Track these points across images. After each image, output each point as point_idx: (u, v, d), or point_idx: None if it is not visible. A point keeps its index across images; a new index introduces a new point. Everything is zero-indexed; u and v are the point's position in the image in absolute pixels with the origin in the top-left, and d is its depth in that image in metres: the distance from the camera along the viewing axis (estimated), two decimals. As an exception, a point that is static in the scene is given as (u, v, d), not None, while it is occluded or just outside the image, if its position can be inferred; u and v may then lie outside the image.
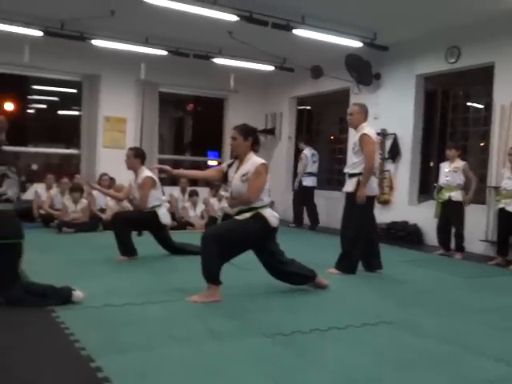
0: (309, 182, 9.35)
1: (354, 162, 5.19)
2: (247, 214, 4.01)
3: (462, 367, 2.83)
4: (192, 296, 3.92)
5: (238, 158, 4.19)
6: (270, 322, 3.48)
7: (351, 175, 5.19)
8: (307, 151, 9.38)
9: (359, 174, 5.11)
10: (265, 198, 4.09)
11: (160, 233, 5.83)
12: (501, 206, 6.19)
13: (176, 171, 4.68)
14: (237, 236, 3.98)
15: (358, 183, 5.08)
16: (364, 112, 5.32)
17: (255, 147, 4.16)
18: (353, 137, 5.42)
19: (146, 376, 2.50)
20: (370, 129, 5.24)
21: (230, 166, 4.27)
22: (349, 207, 5.22)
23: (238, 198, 4.09)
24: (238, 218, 4.04)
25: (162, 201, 5.83)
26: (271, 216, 4.08)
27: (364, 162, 5.07)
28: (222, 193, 8.30)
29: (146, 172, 5.61)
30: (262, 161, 4.10)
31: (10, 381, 2.41)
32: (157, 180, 5.67)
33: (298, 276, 4.34)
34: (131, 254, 5.52)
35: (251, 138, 4.12)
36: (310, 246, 7.04)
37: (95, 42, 8.40)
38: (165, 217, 5.75)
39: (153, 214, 5.61)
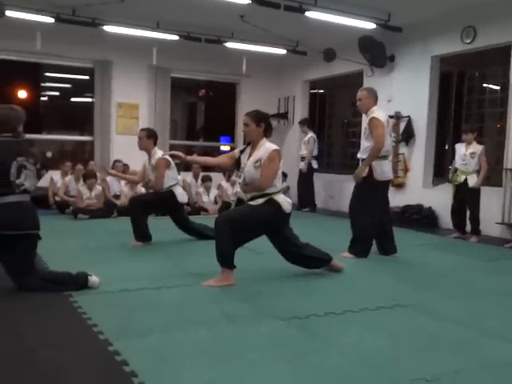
0: (315, 164, 9.46)
1: (365, 147, 5.14)
2: (260, 199, 4.01)
3: (478, 350, 2.81)
4: (207, 280, 3.94)
5: (251, 144, 4.18)
6: (284, 305, 3.49)
7: (363, 160, 5.15)
8: (313, 134, 9.42)
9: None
10: (278, 184, 4.08)
11: (178, 213, 5.83)
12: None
13: (189, 158, 4.68)
14: (250, 221, 3.98)
15: (370, 167, 5.04)
16: (373, 96, 5.22)
17: (268, 133, 4.14)
18: (364, 122, 5.35)
19: (163, 359, 2.53)
20: (380, 112, 5.15)
21: (242, 151, 4.25)
22: (361, 191, 5.18)
23: (251, 185, 4.08)
24: (252, 203, 4.04)
25: (177, 180, 5.83)
26: (284, 202, 4.07)
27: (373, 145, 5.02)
28: (235, 178, 8.31)
29: (159, 153, 5.59)
30: (275, 147, 4.08)
31: (31, 364, 2.44)
32: (171, 160, 5.62)
33: (313, 259, 4.35)
34: (146, 239, 5.55)
35: (263, 124, 4.10)
36: (328, 231, 7.03)
37: (107, 28, 8.39)
38: (182, 196, 5.76)
39: (170, 194, 5.60)
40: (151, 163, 5.63)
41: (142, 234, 5.55)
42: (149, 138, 5.67)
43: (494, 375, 2.49)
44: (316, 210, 9.51)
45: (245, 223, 3.96)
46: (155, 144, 5.70)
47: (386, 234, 5.34)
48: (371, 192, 5.07)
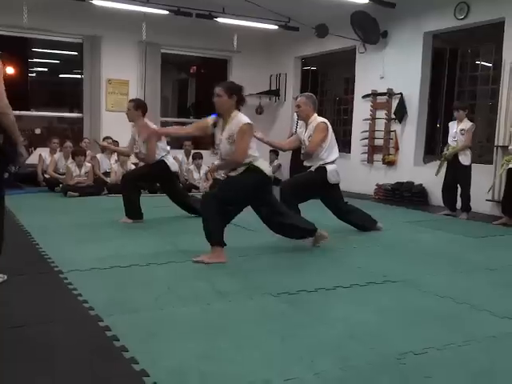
0: None
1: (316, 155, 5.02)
2: (240, 168, 4.03)
3: (467, 324, 2.85)
4: (197, 256, 3.94)
5: (222, 116, 4.08)
6: (275, 281, 3.51)
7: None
8: None
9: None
10: (254, 154, 4.04)
11: (171, 184, 5.84)
12: (511, 165, 6.10)
13: (162, 131, 4.98)
14: (235, 193, 4.00)
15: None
16: (312, 103, 5.07)
17: (239, 105, 4.06)
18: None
19: (154, 334, 2.54)
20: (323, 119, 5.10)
21: (214, 126, 4.19)
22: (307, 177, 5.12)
23: (227, 160, 4.09)
24: (232, 174, 4.07)
25: (168, 151, 5.77)
26: (264, 166, 4.11)
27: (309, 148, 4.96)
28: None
29: (150, 125, 5.52)
30: (247, 120, 3.99)
31: (21, 340, 2.44)
32: None
33: (297, 229, 4.34)
34: (137, 217, 5.54)
35: (236, 96, 4.00)
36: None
37: (95, 2, 8.21)
38: (174, 165, 5.77)
39: (162, 164, 5.57)
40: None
41: (133, 211, 5.52)
42: (137, 109, 5.54)
43: (481, 348, 2.52)
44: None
45: (230, 197, 3.98)
46: (144, 115, 5.59)
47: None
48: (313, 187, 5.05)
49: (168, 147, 5.82)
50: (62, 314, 2.84)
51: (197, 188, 8.43)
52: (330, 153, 5.04)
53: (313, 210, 5.09)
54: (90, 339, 2.50)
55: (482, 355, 2.44)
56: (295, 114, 9.20)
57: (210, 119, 4.24)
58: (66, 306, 2.97)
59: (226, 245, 3.97)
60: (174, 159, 6.02)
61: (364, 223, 5.38)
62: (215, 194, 4.02)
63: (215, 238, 3.93)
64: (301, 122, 5.25)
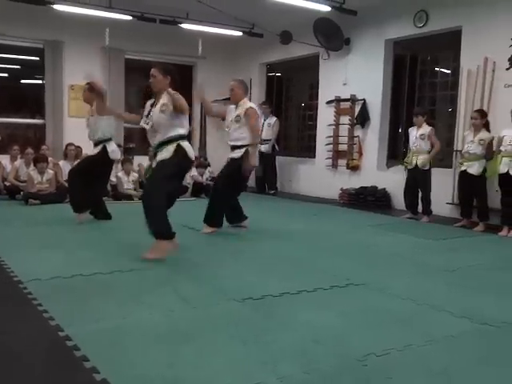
0: (277, 147, 9.70)
1: (239, 135, 5.30)
2: (171, 147, 4.20)
3: (426, 324, 2.91)
4: (145, 254, 4.08)
5: (156, 94, 4.38)
6: (239, 286, 3.51)
7: (239, 146, 5.31)
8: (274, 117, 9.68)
9: (246, 145, 5.27)
10: (181, 131, 4.27)
11: (103, 174, 5.93)
12: (463, 168, 6.30)
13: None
14: (171, 176, 4.19)
15: (246, 153, 5.25)
16: (244, 88, 5.47)
17: (173, 85, 4.31)
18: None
19: (116, 343, 2.50)
20: (252, 104, 5.54)
21: (152, 105, 4.44)
22: (229, 170, 5.38)
23: (158, 130, 4.28)
24: (161, 157, 4.21)
25: (112, 134, 5.89)
26: (189, 148, 4.31)
27: (250, 135, 5.26)
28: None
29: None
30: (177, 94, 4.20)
31: (-24, 352, 2.38)
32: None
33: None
34: (82, 210, 5.69)
35: (169, 76, 4.34)
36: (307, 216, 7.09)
37: (57, 7, 8.09)
38: (114, 153, 5.80)
39: (102, 150, 5.69)
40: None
41: (79, 204, 5.65)
42: (91, 91, 5.73)
43: (440, 347, 2.58)
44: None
45: (169, 182, 4.17)
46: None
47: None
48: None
49: (113, 131, 5.99)
50: (21, 323, 2.77)
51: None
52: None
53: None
54: (49, 350, 2.45)
55: (441, 355, 2.50)
56: (267, 120, 9.41)
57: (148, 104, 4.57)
58: (25, 316, 2.90)
59: (174, 234, 4.14)
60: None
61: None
62: (158, 188, 4.10)
63: (165, 231, 4.11)
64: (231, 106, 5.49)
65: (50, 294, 3.24)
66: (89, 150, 8.04)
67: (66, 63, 9.38)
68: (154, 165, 4.30)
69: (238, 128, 5.29)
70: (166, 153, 4.18)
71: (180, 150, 4.20)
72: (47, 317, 2.83)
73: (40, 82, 9.72)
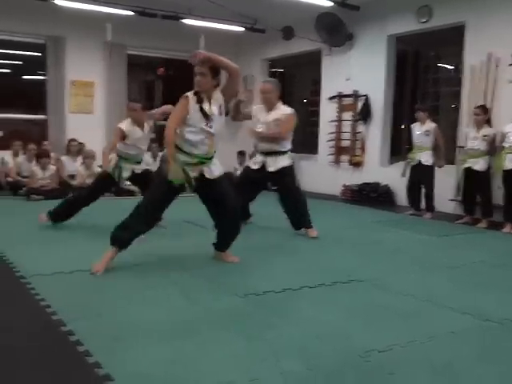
0: None
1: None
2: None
3: (429, 321, 2.91)
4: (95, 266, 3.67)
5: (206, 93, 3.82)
6: (242, 282, 3.51)
7: (281, 152, 5.17)
8: None
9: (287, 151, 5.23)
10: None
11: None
12: (467, 165, 6.26)
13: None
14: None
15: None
16: (279, 90, 5.25)
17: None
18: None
19: (118, 339, 2.50)
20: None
21: None
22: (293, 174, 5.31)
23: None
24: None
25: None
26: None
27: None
28: None
29: None
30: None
31: (-21, 347, 2.38)
32: None
33: None
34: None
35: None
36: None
37: (58, 2, 8.07)
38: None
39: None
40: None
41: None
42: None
43: (442, 344, 2.58)
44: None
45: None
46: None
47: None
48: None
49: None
50: (24, 319, 2.77)
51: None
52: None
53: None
54: (52, 345, 2.45)
55: (443, 351, 2.49)
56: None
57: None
58: (28, 311, 2.90)
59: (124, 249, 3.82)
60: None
61: None
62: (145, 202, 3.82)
63: (122, 240, 3.80)
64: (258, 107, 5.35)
65: (53, 289, 3.25)
66: (90, 145, 8.11)
67: (67, 59, 9.35)
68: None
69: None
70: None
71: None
72: (50, 312, 2.83)
73: (42, 77, 9.71)
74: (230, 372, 2.19)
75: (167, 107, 5.19)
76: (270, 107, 5.19)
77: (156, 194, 3.81)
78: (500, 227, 5.93)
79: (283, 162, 5.13)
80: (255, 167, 5.21)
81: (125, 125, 5.15)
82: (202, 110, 3.66)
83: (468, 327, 2.82)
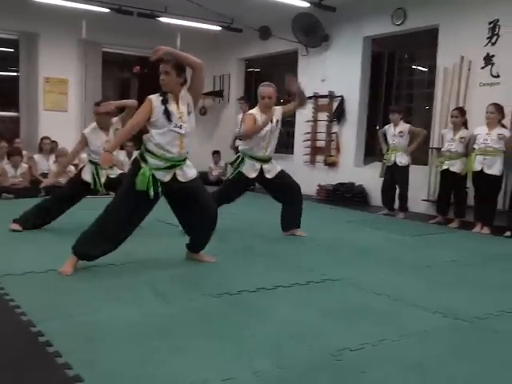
0: None
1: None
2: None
3: (401, 319, 2.94)
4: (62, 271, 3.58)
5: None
6: (216, 282, 3.50)
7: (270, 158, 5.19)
8: None
9: None
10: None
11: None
12: (445, 167, 6.31)
13: None
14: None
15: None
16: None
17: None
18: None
19: (89, 339, 2.47)
20: None
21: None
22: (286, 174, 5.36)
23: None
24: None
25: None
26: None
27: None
28: None
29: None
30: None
31: None
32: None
33: None
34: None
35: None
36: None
37: (32, -3, 7.95)
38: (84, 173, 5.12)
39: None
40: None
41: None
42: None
43: (413, 342, 2.61)
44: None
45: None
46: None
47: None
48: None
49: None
50: (-9, 320, 2.72)
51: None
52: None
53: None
54: (21, 345, 2.40)
55: (414, 349, 2.53)
56: (239, 115, 9.31)
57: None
58: (-4, 312, 2.85)
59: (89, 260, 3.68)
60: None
61: None
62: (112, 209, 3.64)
63: (86, 251, 3.64)
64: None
65: (23, 289, 3.19)
66: (63, 143, 7.98)
67: (41, 55, 9.21)
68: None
69: (276, 135, 5.12)
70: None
71: (136, 161, 3.74)
72: (19, 312, 2.78)
73: (14, 74, 9.53)
74: (202, 371, 2.18)
75: (128, 101, 5.11)
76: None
77: (121, 210, 3.61)
78: (471, 227, 6.04)
79: (278, 166, 5.20)
80: (253, 175, 5.05)
81: (88, 130, 5.05)
82: (166, 110, 3.58)
83: (439, 326, 2.87)
